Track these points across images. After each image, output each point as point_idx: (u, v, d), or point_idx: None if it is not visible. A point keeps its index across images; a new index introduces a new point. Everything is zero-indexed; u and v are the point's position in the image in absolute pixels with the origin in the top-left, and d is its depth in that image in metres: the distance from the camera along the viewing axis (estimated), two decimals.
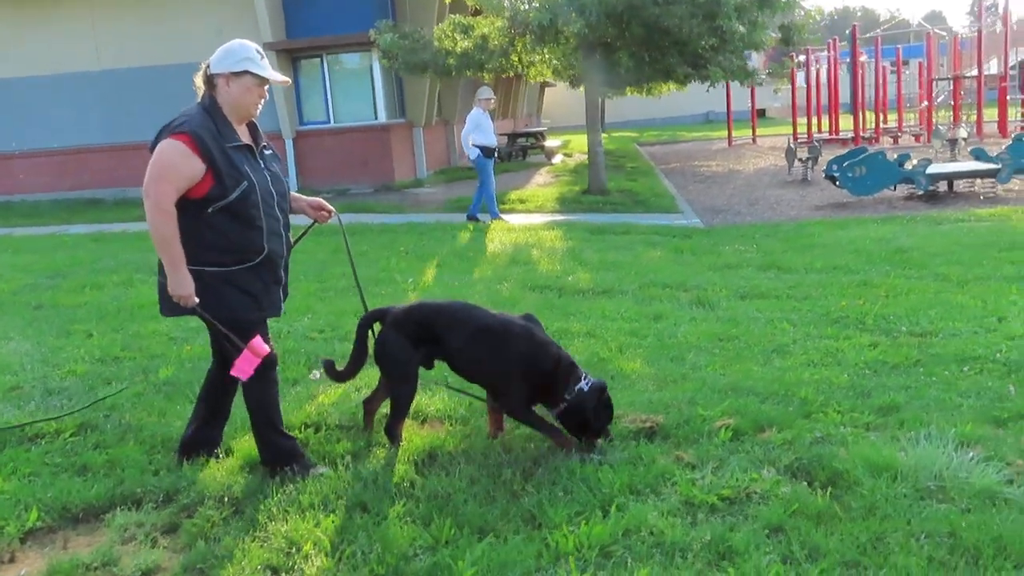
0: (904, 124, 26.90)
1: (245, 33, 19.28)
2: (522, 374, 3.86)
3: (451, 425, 4.28)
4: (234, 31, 19.36)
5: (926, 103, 24.37)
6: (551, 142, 27.73)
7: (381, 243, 10.22)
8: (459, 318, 4.02)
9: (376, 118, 17.60)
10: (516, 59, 12.89)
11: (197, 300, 3.46)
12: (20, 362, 5.70)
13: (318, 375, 4.94)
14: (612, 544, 3.04)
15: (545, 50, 13.04)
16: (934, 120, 23.76)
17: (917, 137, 24.67)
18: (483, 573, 2.86)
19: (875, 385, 4.64)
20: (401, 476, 3.64)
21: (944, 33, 28.52)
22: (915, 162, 13.39)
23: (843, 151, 15.29)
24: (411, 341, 3.94)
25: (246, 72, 3.49)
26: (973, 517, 3.11)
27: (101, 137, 17.32)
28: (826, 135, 27.10)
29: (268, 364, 3.68)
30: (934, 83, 23.40)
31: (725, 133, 30.83)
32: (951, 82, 24.51)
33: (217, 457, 3.89)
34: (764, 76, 21.88)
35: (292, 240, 3.81)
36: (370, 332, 4.08)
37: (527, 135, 26.00)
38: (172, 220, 3.38)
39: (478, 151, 11.94)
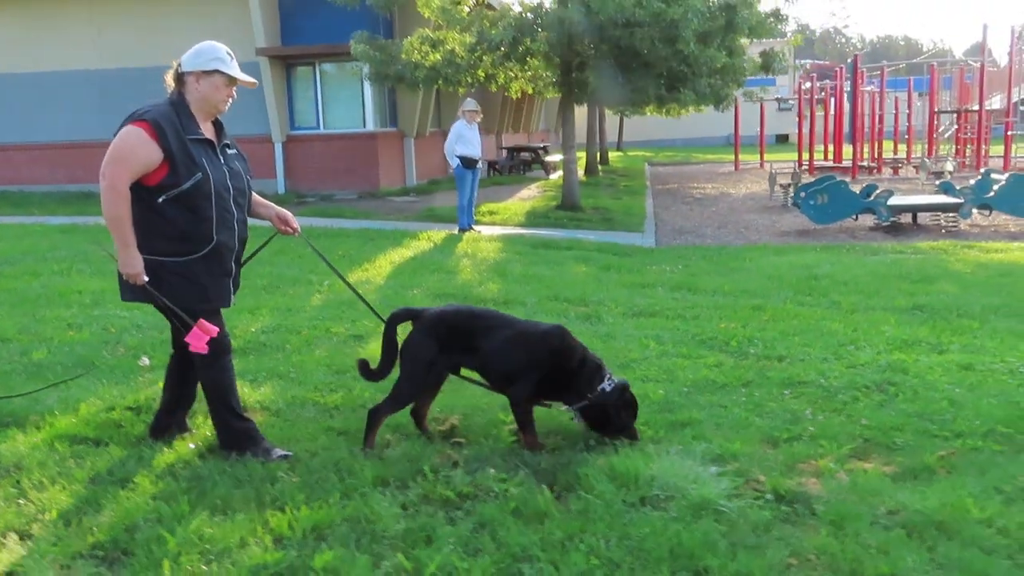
0: (913, 155, 26.78)
1: (240, 38, 19.78)
2: (544, 370, 4.03)
3: (265, 416, 4.52)
4: (230, 36, 19.82)
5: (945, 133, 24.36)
6: (554, 157, 28.00)
7: (325, 246, 10.47)
8: (494, 323, 4.19)
9: (364, 126, 17.98)
10: (483, 74, 13.17)
11: (147, 279, 3.65)
12: None
13: (147, 361, 5.22)
14: (326, 527, 3.26)
15: (513, 66, 13.32)
16: (935, 153, 23.67)
17: (919, 168, 24.53)
18: (187, 543, 3.09)
19: (685, 402, 4.80)
20: (177, 458, 3.89)
21: (977, 64, 28.29)
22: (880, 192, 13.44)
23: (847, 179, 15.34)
24: (439, 344, 4.07)
25: (216, 71, 3.74)
26: (674, 525, 3.28)
27: (98, 133, 17.85)
28: (831, 163, 27.11)
29: (222, 350, 3.90)
30: (936, 116, 23.28)
31: (744, 156, 30.94)
32: (954, 115, 24.41)
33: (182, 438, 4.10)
34: (783, 100, 22.09)
35: (247, 239, 4.00)
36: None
37: (529, 149, 26.25)
38: (125, 201, 3.58)
39: (459, 161, 12.23)
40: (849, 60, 25.47)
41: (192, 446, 4.05)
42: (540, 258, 10.14)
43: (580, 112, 19.98)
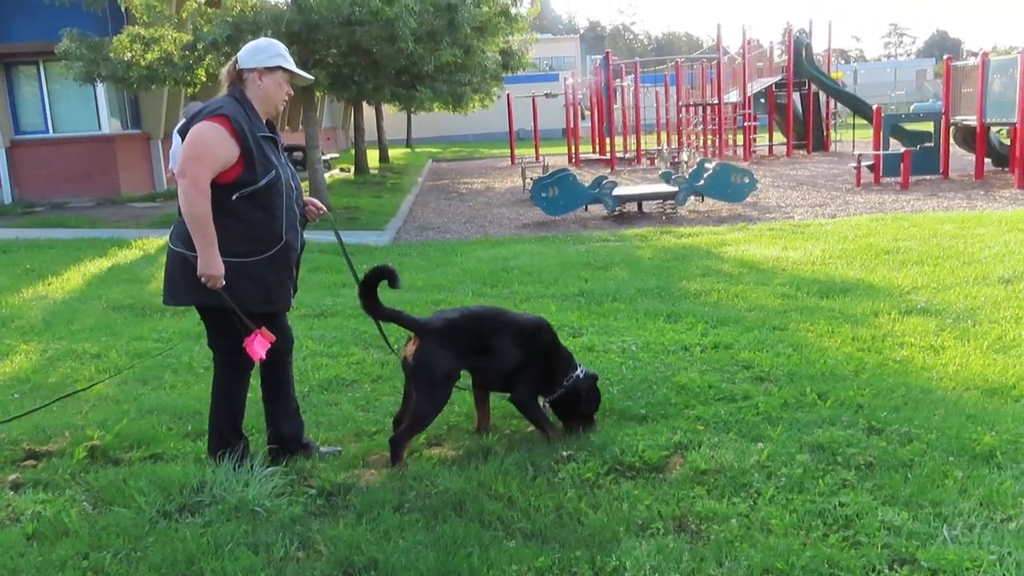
0: (671, 146, 28.65)
1: None
2: (542, 365, 4.13)
3: None
4: None
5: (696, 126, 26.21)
6: (331, 155, 27.62)
7: (19, 259, 9.86)
8: (501, 321, 4.19)
9: (100, 128, 16.98)
10: (204, 73, 12.77)
11: (224, 283, 3.52)
12: None
13: None
14: None
15: None
16: (686, 143, 25.43)
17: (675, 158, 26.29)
18: None
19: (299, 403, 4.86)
20: None
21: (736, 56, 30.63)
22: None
23: (604, 171, 15.97)
24: (457, 354, 3.98)
25: (279, 68, 3.68)
26: (194, 530, 3.31)
27: None
28: (596, 155, 28.53)
29: (249, 364, 3.78)
30: (683, 109, 24.98)
31: (527, 150, 31.85)
32: (700, 108, 26.29)
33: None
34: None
35: (304, 243, 3.93)
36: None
37: (299, 149, 25.67)
38: (207, 200, 3.46)
39: None
40: (600, 58, 26.77)
41: None
42: None
43: (350, 109, 19.80)
